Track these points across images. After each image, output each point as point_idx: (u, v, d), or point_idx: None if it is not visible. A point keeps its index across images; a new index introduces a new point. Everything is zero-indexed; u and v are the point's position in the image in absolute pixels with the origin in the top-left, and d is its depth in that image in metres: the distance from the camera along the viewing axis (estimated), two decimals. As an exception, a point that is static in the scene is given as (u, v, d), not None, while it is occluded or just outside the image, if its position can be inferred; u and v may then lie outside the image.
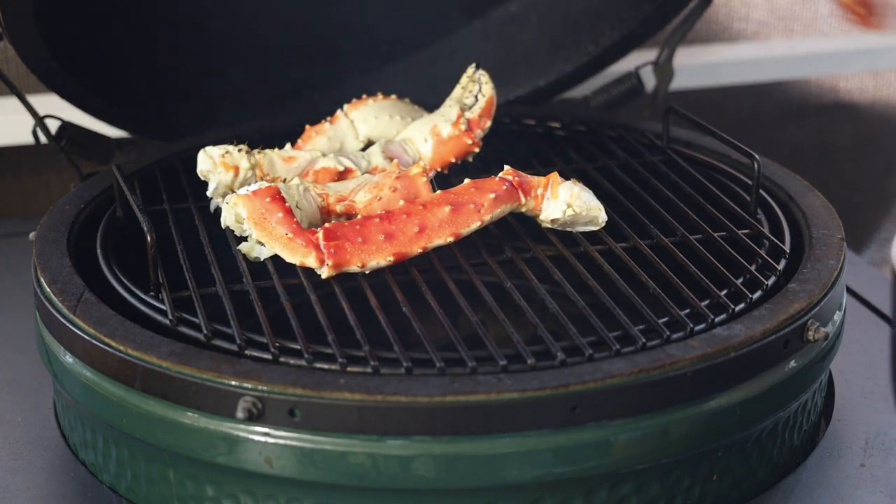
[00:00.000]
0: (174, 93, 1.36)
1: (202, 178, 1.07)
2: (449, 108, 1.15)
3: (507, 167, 1.05)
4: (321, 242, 0.95)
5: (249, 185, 1.03)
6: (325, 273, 0.95)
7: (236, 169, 1.06)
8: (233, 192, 1.06)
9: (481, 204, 1.00)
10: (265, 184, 0.99)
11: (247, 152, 1.07)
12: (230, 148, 1.07)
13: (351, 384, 0.83)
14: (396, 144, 1.14)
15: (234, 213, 0.98)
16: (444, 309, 0.92)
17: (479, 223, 1.00)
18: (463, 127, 1.13)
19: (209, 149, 1.07)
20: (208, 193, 1.07)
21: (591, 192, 1.04)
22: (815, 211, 1.09)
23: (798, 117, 1.91)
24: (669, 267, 1.00)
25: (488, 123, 1.16)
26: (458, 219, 0.99)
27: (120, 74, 1.31)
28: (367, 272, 0.96)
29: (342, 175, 1.09)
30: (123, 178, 1.06)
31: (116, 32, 1.29)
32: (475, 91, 1.16)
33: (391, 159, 1.11)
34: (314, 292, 0.94)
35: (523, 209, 1.04)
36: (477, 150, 1.14)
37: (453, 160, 1.13)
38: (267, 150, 1.09)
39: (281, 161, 1.08)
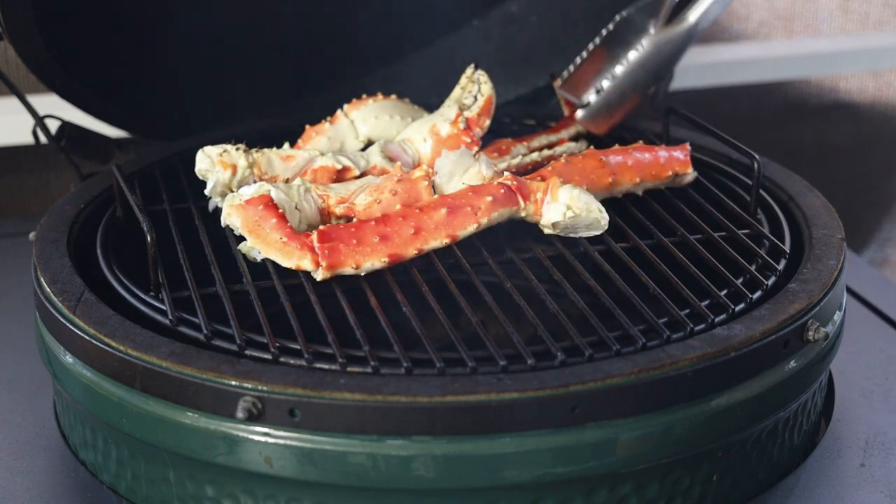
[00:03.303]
0: (174, 93, 1.36)
1: (200, 178, 1.08)
2: (448, 108, 1.15)
3: (506, 172, 1.04)
4: (315, 244, 0.95)
5: (249, 184, 1.03)
6: (319, 275, 0.95)
7: (234, 167, 1.06)
8: (231, 191, 1.06)
9: (478, 207, 1.00)
10: (264, 184, 0.99)
11: (245, 151, 1.07)
12: (228, 147, 1.07)
13: (351, 384, 0.83)
14: (396, 144, 1.14)
15: (234, 213, 0.98)
16: (444, 309, 0.92)
17: (475, 226, 0.99)
18: (461, 126, 1.13)
19: (207, 148, 1.07)
20: (206, 192, 1.07)
21: (590, 194, 1.04)
22: (815, 211, 1.09)
23: (798, 117, 1.91)
24: (669, 267, 1.00)
25: (487, 122, 1.16)
26: (455, 221, 0.99)
27: (120, 74, 1.31)
28: (361, 274, 0.96)
29: (340, 174, 1.09)
30: (123, 178, 1.06)
31: (116, 33, 1.29)
32: (474, 91, 1.16)
33: (390, 159, 1.11)
34: (314, 292, 0.94)
35: (523, 213, 1.03)
36: (476, 149, 1.14)
37: (453, 160, 1.13)
38: (265, 150, 1.09)
39: (279, 160, 1.08)
